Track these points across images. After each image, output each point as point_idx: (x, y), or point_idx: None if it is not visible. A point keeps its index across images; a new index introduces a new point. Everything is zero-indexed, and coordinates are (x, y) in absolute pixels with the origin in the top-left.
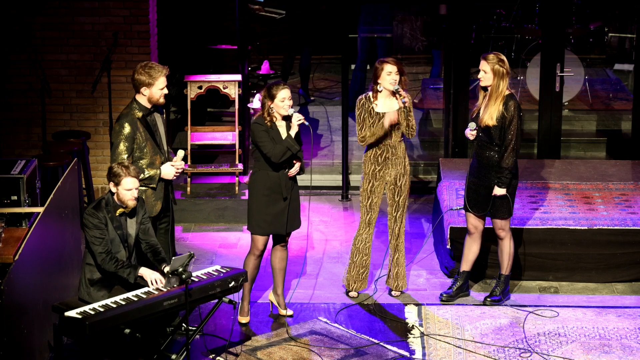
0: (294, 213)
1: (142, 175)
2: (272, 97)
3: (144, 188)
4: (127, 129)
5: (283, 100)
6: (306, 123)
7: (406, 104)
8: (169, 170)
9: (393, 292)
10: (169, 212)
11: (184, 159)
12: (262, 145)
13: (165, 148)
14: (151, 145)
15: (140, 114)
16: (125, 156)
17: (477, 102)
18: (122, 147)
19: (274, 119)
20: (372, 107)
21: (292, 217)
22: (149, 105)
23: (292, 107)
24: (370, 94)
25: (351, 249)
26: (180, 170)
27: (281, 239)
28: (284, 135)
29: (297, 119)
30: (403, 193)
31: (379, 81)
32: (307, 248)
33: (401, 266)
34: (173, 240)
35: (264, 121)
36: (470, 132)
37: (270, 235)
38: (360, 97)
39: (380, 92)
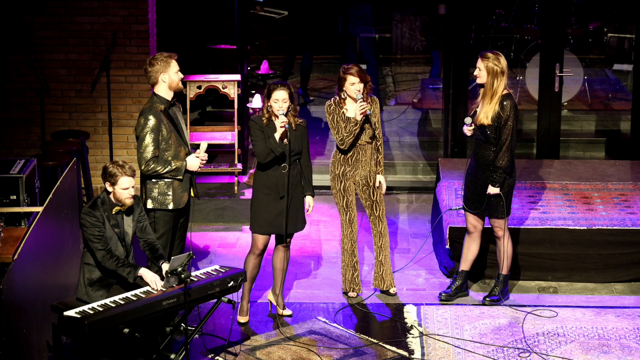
0: (295, 214)
1: (168, 167)
2: (268, 96)
3: (170, 180)
4: (152, 121)
5: (276, 101)
6: (286, 126)
7: (366, 114)
8: (194, 162)
9: (391, 290)
10: (188, 206)
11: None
12: (253, 143)
13: (188, 140)
14: (175, 137)
15: (162, 107)
16: (152, 148)
17: (476, 101)
18: (148, 139)
19: (273, 118)
20: (343, 112)
21: (293, 218)
22: (169, 97)
23: (288, 109)
24: (337, 99)
25: (341, 251)
26: (204, 162)
27: (283, 239)
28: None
29: (281, 121)
30: (378, 190)
31: (344, 89)
32: (306, 248)
33: (387, 264)
34: (184, 235)
35: (261, 119)
36: (467, 128)
37: (273, 235)
38: (328, 102)
39: (346, 98)
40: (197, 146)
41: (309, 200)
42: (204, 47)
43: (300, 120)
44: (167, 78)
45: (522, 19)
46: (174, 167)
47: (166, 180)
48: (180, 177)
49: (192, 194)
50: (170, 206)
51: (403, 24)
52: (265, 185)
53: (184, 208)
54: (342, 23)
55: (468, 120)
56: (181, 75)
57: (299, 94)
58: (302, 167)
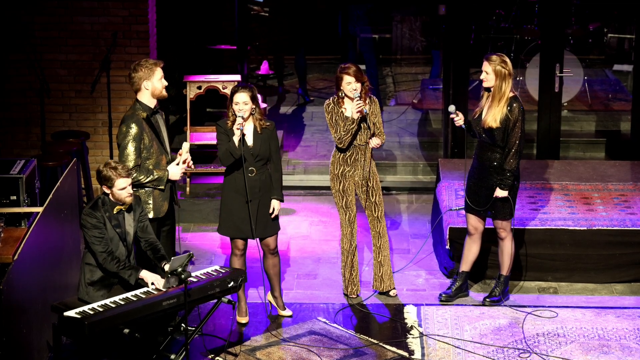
0: (264, 219)
1: (150, 177)
2: (231, 99)
3: (151, 189)
4: (134, 129)
5: (237, 103)
6: (241, 128)
7: (362, 113)
8: (175, 171)
9: (391, 293)
10: (172, 213)
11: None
12: (217, 146)
13: (168, 149)
14: (157, 145)
15: (144, 114)
16: (134, 157)
17: (477, 102)
18: (130, 148)
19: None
20: (342, 111)
21: (262, 222)
22: (152, 104)
23: (252, 112)
24: (336, 98)
25: (340, 251)
26: (188, 163)
27: (267, 245)
28: (250, 137)
29: (237, 123)
30: (377, 191)
31: (341, 88)
32: (306, 248)
33: (387, 265)
34: (174, 241)
35: (226, 122)
36: (457, 118)
37: (257, 239)
38: (327, 101)
39: (344, 98)
40: (197, 149)
41: (274, 203)
42: (204, 48)
43: (268, 123)
44: (150, 85)
45: (522, 19)
46: (156, 176)
47: (147, 189)
48: (162, 187)
49: (174, 202)
50: (150, 215)
51: (403, 24)
52: (233, 188)
53: (166, 216)
54: (342, 23)
55: (452, 108)
56: (165, 83)
57: (299, 94)
58: (271, 171)
